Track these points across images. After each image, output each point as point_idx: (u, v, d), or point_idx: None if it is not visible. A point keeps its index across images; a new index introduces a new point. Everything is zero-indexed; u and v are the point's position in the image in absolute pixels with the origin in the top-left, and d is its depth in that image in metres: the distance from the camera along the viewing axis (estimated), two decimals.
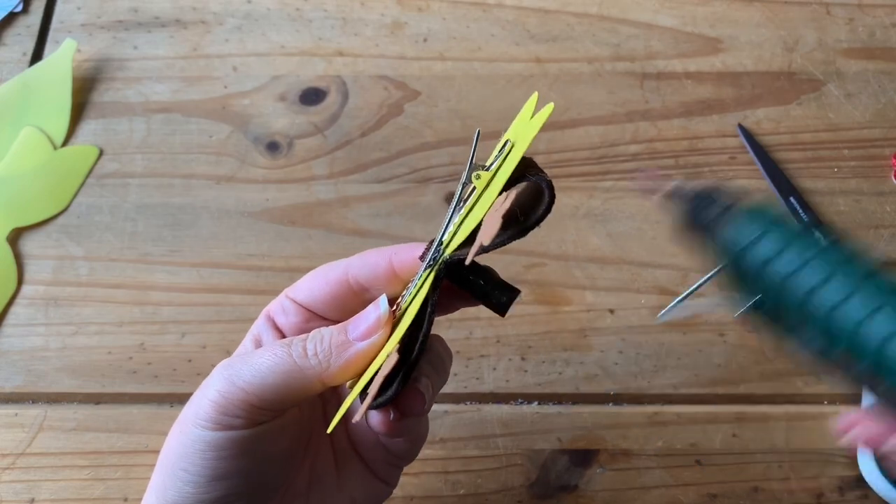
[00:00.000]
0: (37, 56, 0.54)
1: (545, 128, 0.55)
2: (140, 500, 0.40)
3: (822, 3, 0.56)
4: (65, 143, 0.51)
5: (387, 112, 0.52)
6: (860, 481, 0.41)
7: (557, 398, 0.43)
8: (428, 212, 0.48)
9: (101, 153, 0.50)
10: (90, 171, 0.50)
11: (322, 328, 0.27)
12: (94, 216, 0.48)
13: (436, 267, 0.26)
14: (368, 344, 0.26)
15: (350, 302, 0.30)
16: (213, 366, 0.43)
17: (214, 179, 0.50)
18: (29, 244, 0.48)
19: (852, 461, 0.42)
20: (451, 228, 0.27)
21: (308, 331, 0.28)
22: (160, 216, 0.48)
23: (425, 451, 0.42)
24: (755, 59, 0.54)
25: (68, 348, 0.44)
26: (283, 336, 0.30)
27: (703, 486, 0.41)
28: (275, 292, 0.46)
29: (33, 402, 0.43)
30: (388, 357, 0.25)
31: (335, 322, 0.28)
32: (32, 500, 0.41)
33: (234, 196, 0.49)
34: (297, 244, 0.47)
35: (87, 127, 0.51)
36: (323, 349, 0.26)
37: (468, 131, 0.51)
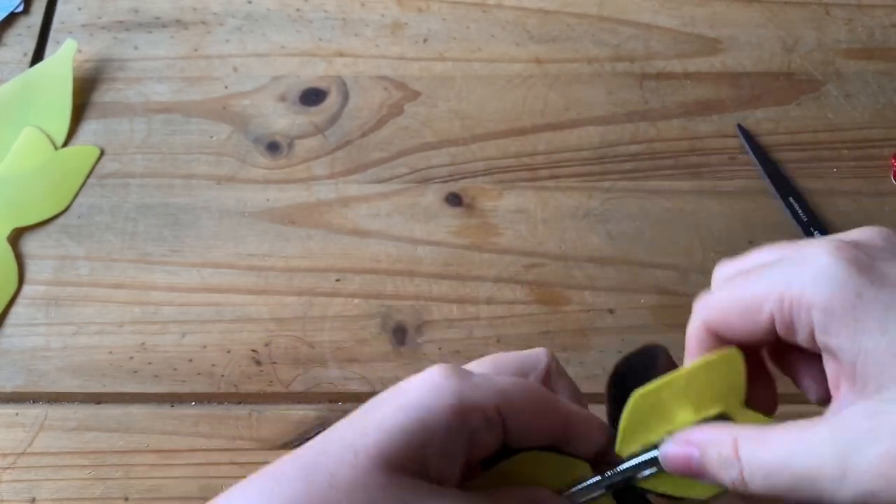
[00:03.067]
0: (37, 56, 0.54)
1: (545, 128, 0.56)
2: (140, 499, 0.41)
3: (821, 4, 0.56)
4: (65, 143, 0.51)
5: (387, 112, 0.52)
6: None
7: None
8: (428, 212, 0.49)
9: (101, 153, 0.50)
10: (91, 172, 0.50)
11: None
12: (95, 216, 0.48)
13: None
14: None
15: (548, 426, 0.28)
16: (214, 365, 0.44)
17: (215, 179, 0.50)
18: (30, 244, 0.48)
19: None
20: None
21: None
22: (161, 216, 0.48)
23: None
24: (754, 59, 0.54)
25: (69, 348, 0.45)
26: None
27: None
28: (275, 292, 0.46)
29: (34, 402, 0.43)
30: None
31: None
32: (33, 499, 0.41)
33: (234, 196, 0.49)
34: (298, 244, 0.48)
35: (88, 127, 0.51)
36: None
37: (468, 131, 0.51)
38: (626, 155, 0.50)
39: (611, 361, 0.28)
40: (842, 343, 0.23)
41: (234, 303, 0.46)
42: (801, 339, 0.24)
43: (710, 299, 0.27)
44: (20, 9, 0.55)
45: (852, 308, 0.23)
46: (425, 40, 0.54)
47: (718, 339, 0.27)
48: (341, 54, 0.54)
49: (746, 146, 0.51)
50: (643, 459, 0.27)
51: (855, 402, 0.23)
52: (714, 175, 0.50)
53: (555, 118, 0.52)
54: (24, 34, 0.55)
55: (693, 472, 0.26)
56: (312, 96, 0.52)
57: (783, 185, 0.49)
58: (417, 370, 0.27)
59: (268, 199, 0.49)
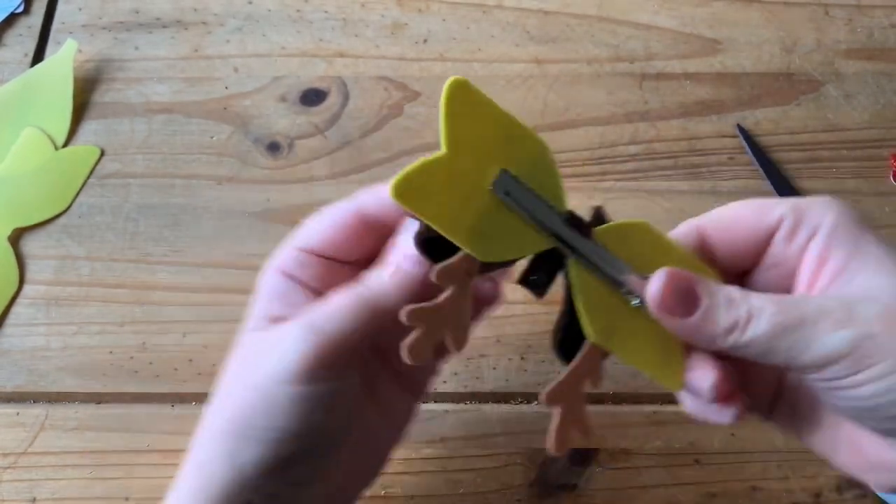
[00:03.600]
0: (38, 57, 0.54)
1: (545, 128, 0.56)
2: (142, 499, 0.41)
3: (820, 4, 0.56)
4: (66, 143, 0.51)
5: (387, 113, 0.52)
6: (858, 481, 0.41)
7: None
8: None
9: (102, 153, 0.51)
10: (91, 172, 0.50)
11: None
12: (96, 216, 0.49)
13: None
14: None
15: (369, 241, 0.29)
16: (214, 365, 0.44)
17: (215, 180, 0.50)
18: (30, 244, 0.48)
19: None
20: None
21: (337, 280, 0.28)
22: (161, 216, 0.48)
23: (425, 451, 0.42)
24: (754, 59, 0.54)
25: (70, 348, 0.45)
26: (313, 290, 0.29)
27: (701, 485, 0.42)
28: None
29: (35, 402, 0.44)
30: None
31: (359, 266, 0.28)
32: (34, 499, 0.41)
33: (235, 196, 0.49)
34: None
35: (89, 127, 0.51)
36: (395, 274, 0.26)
37: None
38: (625, 155, 0.51)
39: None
40: (841, 251, 0.26)
41: (235, 303, 0.46)
42: (798, 242, 0.27)
43: (716, 211, 0.28)
44: (20, 9, 0.56)
45: (857, 233, 0.26)
46: (425, 41, 0.54)
47: (704, 247, 0.28)
48: (341, 55, 0.54)
49: (746, 146, 0.51)
50: (629, 271, 0.26)
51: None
52: (714, 175, 0.50)
53: (555, 118, 0.52)
54: (25, 34, 0.55)
55: (688, 305, 0.25)
56: (313, 96, 0.52)
57: (783, 186, 0.49)
58: None
59: (268, 200, 0.49)
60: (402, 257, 0.26)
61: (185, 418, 0.43)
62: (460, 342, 0.25)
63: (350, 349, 0.27)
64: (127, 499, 0.41)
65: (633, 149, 0.51)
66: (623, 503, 0.41)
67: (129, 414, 0.43)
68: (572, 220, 0.26)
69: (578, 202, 0.49)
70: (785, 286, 0.28)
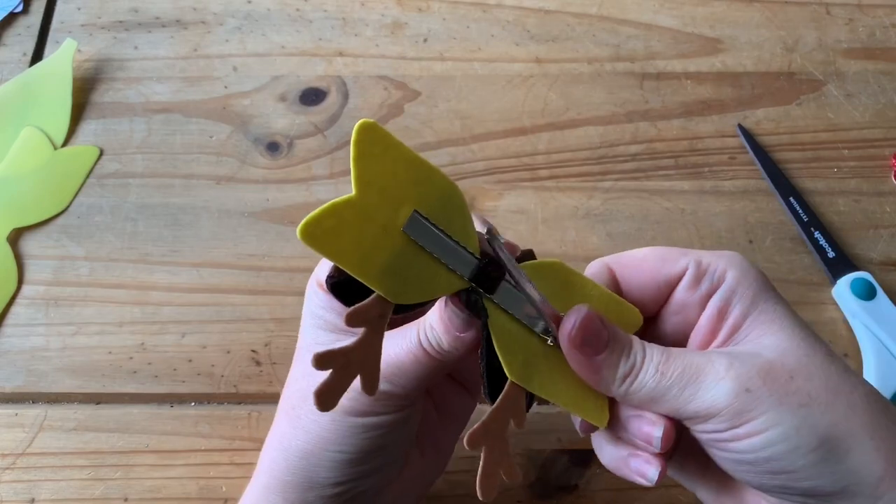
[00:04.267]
0: (37, 56, 0.54)
1: (545, 128, 0.56)
2: (140, 500, 0.41)
3: (821, 4, 0.56)
4: (65, 143, 0.51)
5: (387, 112, 0.52)
6: None
7: None
8: None
9: (101, 153, 0.50)
10: (90, 172, 0.50)
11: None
12: (95, 216, 0.48)
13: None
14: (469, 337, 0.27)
15: None
16: (213, 366, 0.44)
17: (215, 179, 0.50)
18: (29, 244, 0.48)
19: None
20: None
21: None
22: (160, 216, 0.48)
23: None
24: (755, 59, 0.54)
25: (68, 348, 0.45)
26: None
27: None
28: (275, 292, 0.46)
29: (33, 402, 0.43)
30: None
31: None
32: (33, 499, 0.41)
33: (234, 196, 0.49)
34: (298, 244, 0.47)
35: (88, 127, 0.51)
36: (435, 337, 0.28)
37: (468, 131, 0.51)
38: (626, 155, 0.50)
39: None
40: (739, 307, 0.27)
41: (234, 303, 0.46)
42: (701, 292, 0.28)
43: (626, 253, 0.30)
44: (19, 9, 0.55)
45: (758, 290, 0.28)
46: (425, 40, 0.54)
47: (614, 281, 0.30)
48: (341, 54, 0.54)
49: (747, 146, 0.51)
50: (541, 297, 0.27)
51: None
52: (714, 175, 0.50)
53: (555, 118, 0.52)
54: (24, 34, 0.55)
55: (596, 346, 0.26)
56: (312, 96, 0.52)
57: (783, 185, 0.49)
58: None
59: (267, 199, 0.49)
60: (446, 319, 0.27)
61: (184, 419, 0.43)
62: (371, 386, 0.25)
63: (411, 395, 0.29)
64: (126, 499, 0.41)
65: (633, 148, 0.51)
66: None
67: (127, 414, 0.43)
68: (486, 261, 0.26)
69: (578, 202, 0.49)
70: (686, 333, 0.29)
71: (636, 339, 0.27)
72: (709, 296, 0.28)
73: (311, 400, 0.27)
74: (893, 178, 0.50)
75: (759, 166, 0.50)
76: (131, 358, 0.44)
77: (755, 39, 0.55)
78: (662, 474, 0.28)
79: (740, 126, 0.51)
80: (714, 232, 0.48)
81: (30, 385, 0.44)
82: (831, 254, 0.47)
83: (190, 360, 0.44)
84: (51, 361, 0.44)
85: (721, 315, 0.27)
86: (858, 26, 0.55)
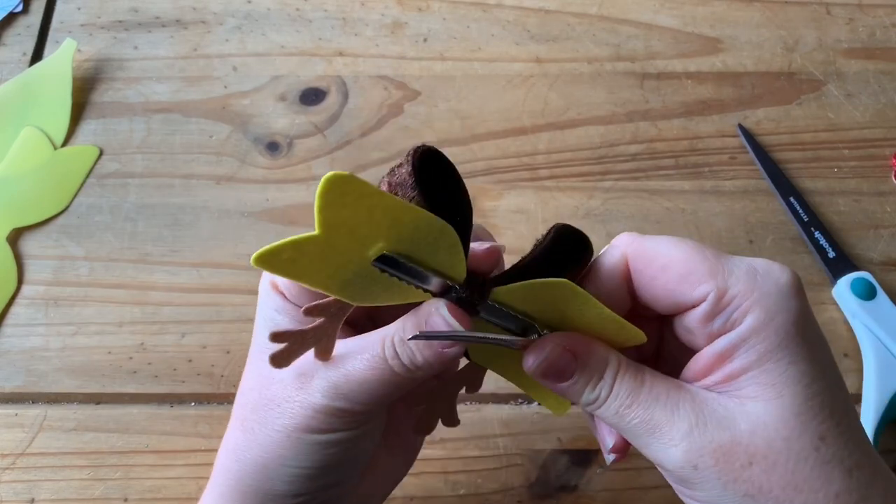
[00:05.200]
0: (37, 56, 0.54)
1: (545, 127, 0.56)
2: (139, 500, 0.41)
3: (822, 3, 0.56)
4: (65, 143, 0.51)
5: (387, 112, 0.52)
6: None
7: None
8: None
9: (101, 153, 0.50)
10: (90, 172, 0.50)
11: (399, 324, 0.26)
12: (95, 216, 0.48)
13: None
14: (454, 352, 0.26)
15: None
16: (213, 366, 0.44)
17: (214, 179, 0.50)
18: (29, 244, 0.48)
19: None
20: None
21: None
22: (160, 216, 0.48)
23: (425, 451, 0.42)
24: (755, 59, 0.54)
25: (68, 348, 0.44)
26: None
27: None
28: None
29: (33, 403, 0.43)
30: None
31: None
32: (32, 500, 0.41)
33: (234, 196, 0.49)
34: None
35: (88, 127, 0.51)
36: (409, 353, 0.26)
37: (468, 131, 0.51)
38: (626, 155, 0.50)
39: None
40: (744, 358, 0.25)
41: (234, 303, 0.46)
42: (711, 329, 0.25)
43: (652, 247, 0.27)
44: (19, 8, 0.55)
45: (775, 342, 0.24)
46: (425, 40, 0.54)
47: (627, 276, 0.27)
48: (341, 54, 0.54)
49: (747, 146, 0.50)
50: (519, 316, 0.26)
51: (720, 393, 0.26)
52: (714, 175, 0.50)
53: (555, 118, 0.52)
54: (24, 34, 0.55)
55: (559, 377, 0.26)
56: (312, 96, 0.52)
57: (784, 185, 0.49)
58: None
59: (267, 199, 0.49)
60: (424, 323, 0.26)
61: (184, 419, 0.43)
62: (326, 354, 0.26)
63: (373, 411, 0.27)
64: (125, 499, 0.41)
65: (633, 148, 0.51)
66: None
67: (127, 414, 0.43)
68: (466, 285, 0.25)
69: (578, 202, 0.49)
70: (688, 349, 0.27)
71: (610, 370, 0.26)
72: (719, 335, 0.25)
73: (262, 411, 0.27)
74: (893, 178, 0.50)
75: (759, 166, 0.50)
76: (131, 358, 0.44)
77: (755, 39, 0.54)
78: (617, 461, 0.28)
79: (740, 126, 0.51)
80: (714, 232, 0.48)
81: (29, 385, 0.44)
82: (831, 254, 0.47)
83: (190, 360, 0.44)
84: (50, 361, 0.44)
85: (722, 360, 0.25)
86: (859, 26, 0.55)
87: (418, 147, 0.24)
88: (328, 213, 0.22)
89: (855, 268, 0.46)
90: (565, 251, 0.27)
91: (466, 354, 0.27)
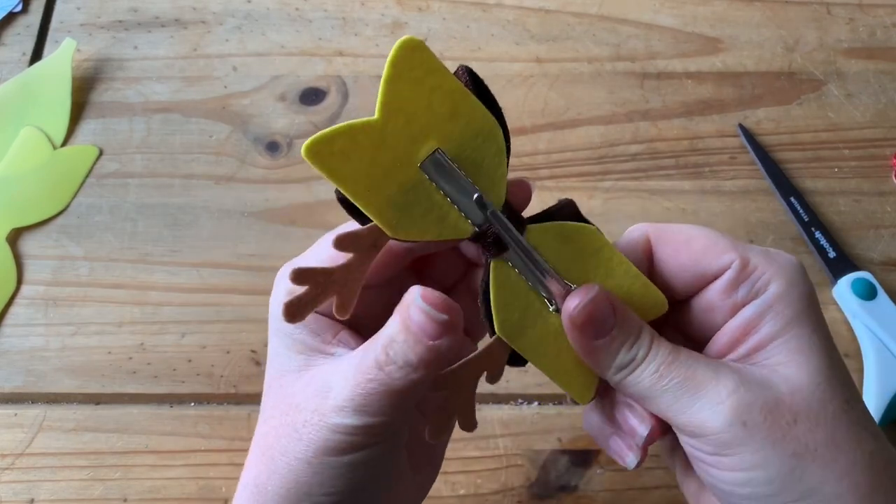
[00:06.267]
0: (36, 56, 0.54)
1: (545, 127, 0.56)
2: (139, 500, 0.40)
3: (822, 3, 0.56)
4: (64, 142, 0.51)
5: None
6: None
7: (557, 398, 0.43)
8: None
9: (100, 153, 0.50)
10: (90, 171, 0.50)
11: (385, 331, 0.25)
12: (94, 216, 0.48)
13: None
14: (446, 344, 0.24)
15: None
16: (213, 366, 0.44)
17: (214, 179, 0.50)
18: (29, 244, 0.48)
19: None
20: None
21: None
22: (160, 216, 0.48)
23: None
24: (755, 58, 0.54)
25: (68, 348, 0.44)
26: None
27: None
28: None
29: (33, 403, 0.43)
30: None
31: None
32: (32, 500, 0.41)
33: (233, 196, 0.49)
34: (297, 244, 0.47)
35: (87, 127, 0.51)
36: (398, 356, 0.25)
37: None
38: (626, 154, 0.50)
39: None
40: (771, 325, 0.25)
41: (234, 303, 0.46)
42: (735, 298, 0.26)
43: (673, 227, 0.27)
44: (19, 8, 0.55)
45: (798, 310, 0.25)
46: (425, 40, 0.54)
47: (649, 255, 0.27)
48: (341, 54, 0.54)
49: (747, 146, 0.50)
50: (552, 276, 0.25)
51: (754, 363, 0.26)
52: (715, 175, 0.50)
53: (555, 118, 0.51)
54: (23, 34, 0.55)
55: (599, 330, 0.25)
56: (312, 96, 0.52)
57: (784, 185, 0.49)
58: None
59: (267, 199, 0.49)
60: (415, 325, 0.24)
61: (184, 419, 0.43)
62: (345, 309, 0.24)
63: (390, 423, 0.26)
64: (125, 499, 0.41)
65: (634, 148, 0.51)
66: None
67: (127, 414, 0.43)
68: (504, 212, 0.24)
69: (579, 202, 0.49)
70: (710, 330, 0.27)
71: (646, 331, 0.25)
72: (743, 304, 0.25)
73: (284, 440, 0.26)
74: (894, 178, 0.50)
75: (759, 166, 0.50)
76: (131, 358, 0.44)
77: (756, 39, 0.54)
78: (641, 462, 0.27)
79: (741, 126, 0.51)
80: None
81: (29, 385, 0.44)
82: (832, 254, 0.47)
83: (189, 361, 0.44)
84: (50, 362, 0.44)
85: (748, 330, 0.25)
86: (859, 26, 0.55)
87: (466, 65, 0.24)
88: (392, 89, 0.21)
89: (855, 268, 0.46)
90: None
91: (491, 328, 0.25)
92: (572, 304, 0.25)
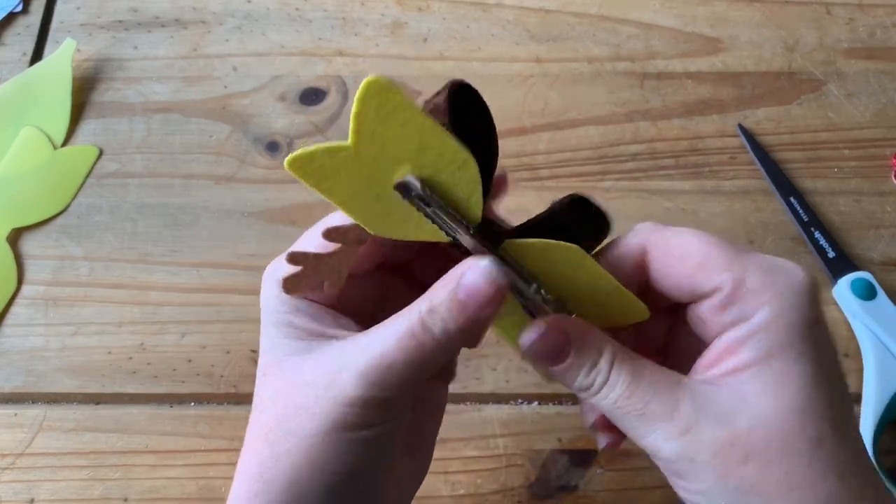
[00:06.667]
0: (37, 56, 0.54)
1: (545, 127, 0.56)
2: (139, 500, 0.41)
3: (822, 3, 0.56)
4: (65, 143, 0.51)
5: None
6: None
7: (557, 398, 0.43)
8: None
9: (100, 153, 0.50)
10: (90, 171, 0.50)
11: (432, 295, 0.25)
12: (94, 216, 0.48)
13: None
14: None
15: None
16: (213, 366, 0.44)
17: (214, 179, 0.50)
18: (29, 244, 0.48)
19: None
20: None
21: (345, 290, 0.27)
22: (160, 216, 0.48)
23: None
24: (755, 59, 0.54)
25: (68, 348, 0.44)
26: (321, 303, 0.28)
27: None
28: None
29: (33, 403, 0.43)
30: None
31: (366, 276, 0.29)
32: (32, 500, 0.41)
33: (233, 196, 0.49)
34: None
35: (87, 127, 0.51)
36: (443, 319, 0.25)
37: None
38: (626, 154, 0.50)
39: None
40: (753, 352, 0.25)
41: (234, 303, 0.46)
42: (723, 320, 0.25)
43: (672, 238, 0.27)
44: (19, 8, 0.55)
45: (784, 338, 0.25)
46: (425, 40, 0.54)
47: (643, 265, 0.27)
48: (341, 54, 0.54)
49: (747, 146, 0.50)
50: (525, 273, 0.26)
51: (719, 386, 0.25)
52: (715, 175, 0.50)
53: (555, 118, 0.51)
54: (23, 34, 0.55)
55: (555, 359, 0.26)
56: (312, 96, 0.52)
57: (784, 185, 0.49)
58: None
59: (267, 199, 0.49)
60: (462, 292, 0.24)
61: (184, 419, 0.43)
62: (335, 287, 0.26)
63: (404, 399, 0.26)
64: (125, 499, 0.41)
65: (634, 148, 0.51)
66: None
67: (127, 414, 0.43)
68: (480, 230, 0.25)
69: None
70: (705, 336, 0.27)
71: (606, 357, 0.26)
72: (731, 325, 0.25)
73: (290, 421, 0.26)
74: (894, 178, 0.50)
75: (759, 166, 0.50)
76: (131, 358, 0.44)
77: (756, 39, 0.54)
78: (609, 450, 0.28)
79: (741, 126, 0.51)
80: (714, 232, 0.47)
81: (29, 385, 0.44)
82: (832, 254, 0.47)
83: (189, 361, 0.44)
84: (50, 361, 0.44)
85: (729, 351, 0.25)
86: (859, 26, 0.55)
87: (457, 80, 0.25)
88: (364, 121, 0.22)
89: (855, 268, 0.46)
90: (582, 222, 0.27)
91: None
92: (525, 339, 0.26)
